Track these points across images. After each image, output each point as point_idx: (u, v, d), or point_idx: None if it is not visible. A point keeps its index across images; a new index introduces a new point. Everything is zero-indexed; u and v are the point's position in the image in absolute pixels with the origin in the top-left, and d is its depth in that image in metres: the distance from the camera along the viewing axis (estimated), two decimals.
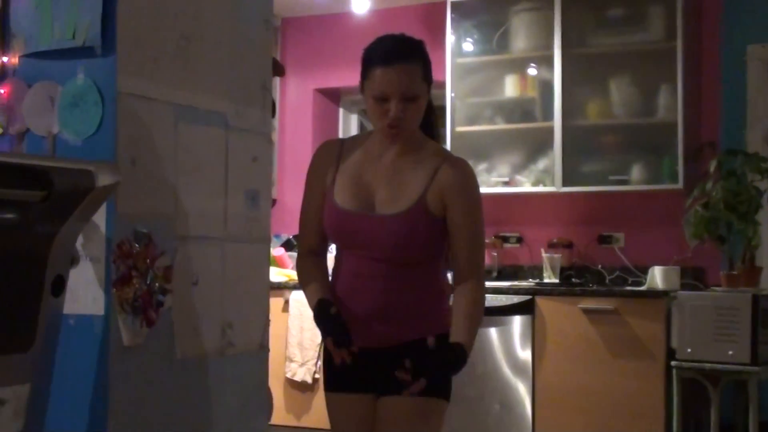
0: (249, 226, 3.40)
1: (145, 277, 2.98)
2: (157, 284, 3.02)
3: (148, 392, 3.02)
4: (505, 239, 6.90)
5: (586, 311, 5.95)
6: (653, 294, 5.92)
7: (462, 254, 3.04)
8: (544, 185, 6.54)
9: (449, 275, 3.11)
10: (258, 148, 3.44)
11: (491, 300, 6.14)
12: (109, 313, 2.90)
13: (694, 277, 6.30)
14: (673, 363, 5.69)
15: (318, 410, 6.62)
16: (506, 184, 6.67)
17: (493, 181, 6.68)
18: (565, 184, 6.44)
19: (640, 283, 6.30)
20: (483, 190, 6.51)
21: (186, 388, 3.14)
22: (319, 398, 6.60)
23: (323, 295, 3.06)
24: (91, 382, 2.90)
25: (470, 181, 3.09)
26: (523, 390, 6.06)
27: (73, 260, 2.86)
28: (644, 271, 6.32)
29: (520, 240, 6.89)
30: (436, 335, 2.96)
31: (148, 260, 2.99)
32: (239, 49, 3.35)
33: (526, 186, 6.62)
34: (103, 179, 2.74)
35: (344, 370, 2.99)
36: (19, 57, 3.08)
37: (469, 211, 3.04)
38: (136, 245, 2.96)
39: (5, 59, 3.09)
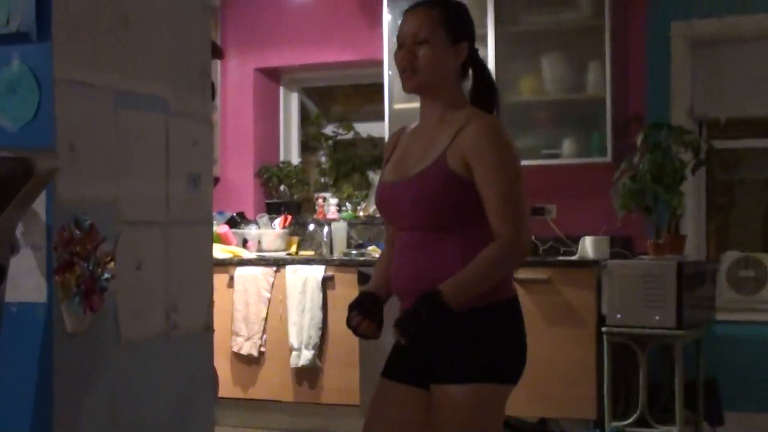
0: (191, 209, 3.26)
1: (87, 263, 2.84)
2: (99, 270, 2.88)
3: (94, 377, 2.89)
4: None
5: (521, 281, 5.85)
6: (584, 264, 5.90)
7: (491, 213, 2.77)
8: None
9: None
10: (198, 132, 3.30)
11: None
12: (51, 300, 2.76)
13: (622, 246, 6.28)
14: (603, 329, 5.67)
15: (263, 382, 6.54)
16: None
17: None
18: None
19: (572, 253, 6.25)
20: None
21: (132, 371, 3.02)
22: (265, 371, 6.52)
23: (369, 287, 3.01)
24: (36, 369, 2.76)
25: (491, 137, 2.80)
26: None
27: (14, 249, 2.71)
28: (576, 240, 6.28)
29: None
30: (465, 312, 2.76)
31: (90, 246, 2.85)
32: (178, 33, 3.20)
33: None
34: (41, 166, 2.59)
35: (399, 356, 2.93)
36: None
37: (491, 167, 2.77)
38: (77, 232, 2.82)
39: None
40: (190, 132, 3.26)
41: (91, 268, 2.85)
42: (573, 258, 6.07)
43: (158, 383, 3.13)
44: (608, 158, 6.14)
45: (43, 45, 2.76)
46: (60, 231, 2.77)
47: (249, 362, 6.58)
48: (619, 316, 5.63)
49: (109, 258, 2.92)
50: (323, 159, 7.75)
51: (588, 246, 6.05)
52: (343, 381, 6.29)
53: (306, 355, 6.36)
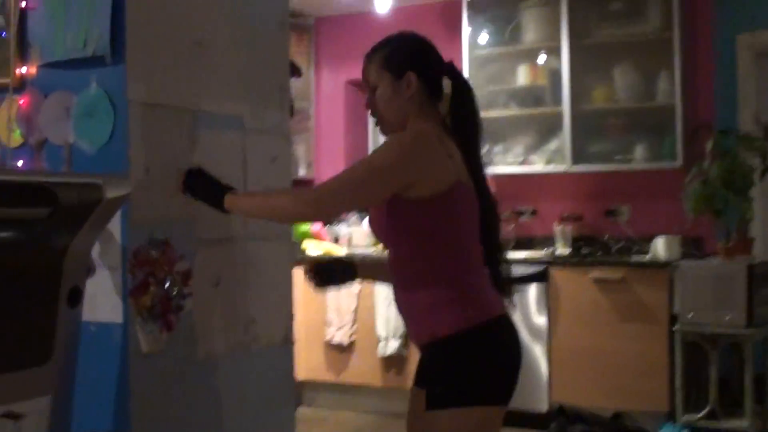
0: (270, 224, 2.90)
1: (163, 283, 2.51)
2: (176, 289, 2.55)
3: (171, 395, 2.56)
4: (521, 213, 6.38)
5: (596, 281, 5.45)
6: (657, 264, 5.41)
7: None
8: (555, 164, 6.01)
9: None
10: (276, 148, 2.95)
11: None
12: (127, 321, 2.43)
13: (692, 246, 5.77)
14: (675, 327, 5.20)
15: (354, 369, 6.21)
16: (521, 164, 6.14)
17: (508, 161, 6.16)
18: (574, 163, 5.91)
19: (643, 252, 5.77)
20: (499, 169, 6.07)
21: (209, 387, 2.68)
22: (355, 358, 6.20)
23: (357, 259, 2.85)
24: (114, 389, 2.45)
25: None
26: (539, 352, 5.58)
27: (90, 270, 2.39)
28: (647, 240, 5.80)
29: (534, 213, 6.36)
30: (436, 340, 2.36)
31: (165, 266, 2.52)
32: (255, 52, 2.85)
33: (538, 165, 6.09)
34: (113, 191, 2.27)
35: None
36: (37, 67, 2.60)
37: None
38: (153, 252, 2.49)
39: (24, 70, 2.61)
40: (267, 148, 2.91)
41: (167, 287, 2.52)
42: (646, 258, 5.58)
43: (237, 396, 2.79)
44: (679, 163, 5.64)
45: (117, 68, 2.43)
46: (135, 252, 2.45)
47: (340, 350, 6.26)
48: (690, 315, 5.15)
49: (186, 276, 2.59)
50: None
51: (659, 246, 5.56)
52: None
53: (393, 345, 6.02)
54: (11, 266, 2.13)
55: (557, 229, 5.95)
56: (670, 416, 5.24)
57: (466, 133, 2.49)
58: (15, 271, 2.14)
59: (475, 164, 2.47)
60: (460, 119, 2.51)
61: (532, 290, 5.61)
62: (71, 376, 2.38)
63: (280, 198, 2.46)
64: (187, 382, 2.61)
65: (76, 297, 2.32)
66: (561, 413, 4.90)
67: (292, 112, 3.05)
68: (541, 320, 5.57)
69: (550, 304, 5.56)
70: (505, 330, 2.44)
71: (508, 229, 6.32)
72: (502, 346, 2.42)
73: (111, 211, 2.29)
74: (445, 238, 2.37)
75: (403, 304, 2.45)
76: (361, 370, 6.18)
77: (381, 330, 6.06)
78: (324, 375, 6.33)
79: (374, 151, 2.40)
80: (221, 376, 2.71)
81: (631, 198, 6.05)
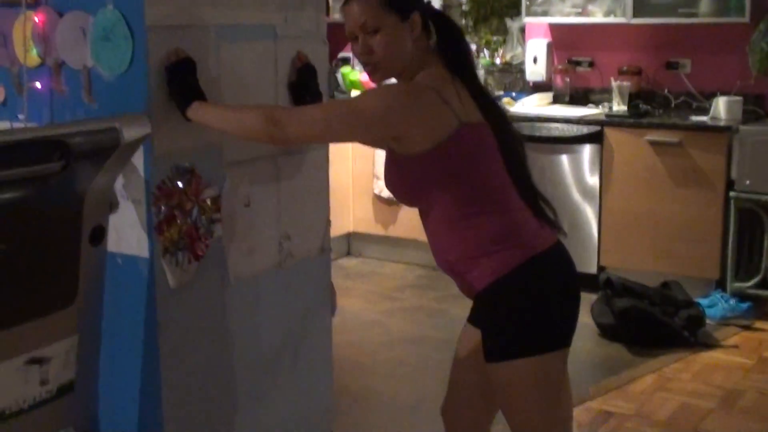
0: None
1: (189, 213, 2.42)
2: (204, 217, 2.46)
3: (202, 324, 2.51)
4: (578, 63, 6.10)
5: (652, 143, 5.24)
6: (716, 128, 5.15)
7: None
8: (615, 16, 5.67)
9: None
10: (312, 53, 2.76)
11: (563, 129, 5.47)
12: (153, 256, 2.36)
13: (755, 104, 5.48)
14: (731, 193, 5.02)
15: (402, 222, 6.17)
16: (579, 14, 5.80)
17: (566, 11, 5.82)
18: (635, 15, 5.55)
19: (704, 109, 5.51)
20: (556, 19, 5.78)
21: (243, 308, 2.63)
22: (404, 212, 6.13)
23: None
24: (142, 322, 2.41)
25: None
26: (590, 213, 5.45)
27: (112, 206, 2.30)
28: (708, 97, 5.53)
29: (591, 64, 6.07)
30: (482, 291, 2.25)
31: (192, 196, 2.42)
32: None
33: (597, 16, 5.75)
34: (131, 133, 2.15)
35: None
36: None
37: None
38: (179, 182, 2.38)
39: None
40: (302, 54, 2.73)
41: (194, 218, 2.43)
42: (705, 120, 5.32)
43: (272, 312, 2.74)
44: (746, 18, 5.26)
45: None
46: (159, 185, 2.34)
47: (389, 203, 6.19)
48: (748, 182, 4.96)
49: (214, 202, 2.49)
50: (464, 0, 7.02)
51: (721, 107, 5.29)
52: None
53: None
54: (29, 220, 2.05)
55: (614, 85, 5.67)
56: (720, 284, 5.14)
57: (461, 70, 2.28)
58: (33, 225, 2.06)
59: (482, 100, 2.27)
60: (452, 57, 2.29)
61: (586, 150, 5.43)
62: (97, 314, 2.34)
63: (249, 113, 2.26)
64: (218, 308, 2.56)
65: (98, 235, 2.26)
66: (608, 285, 4.83)
67: (328, 11, 2.84)
68: (593, 181, 5.42)
69: (603, 165, 5.39)
70: (551, 265, 2.28)
71: (564, 80, 6.07)
72: (551, 283, 2.27)
73: (130, 152, 2.18)
74: (464, 186, 2.21)
75: (442, 262, 2.31)
76: (410, 224, 6.11)
77: None
78: (372, 227, 6.31)
79: (363, 93, 2.25)
80: (254, 298, 2.66)
81: (694, 52, 5.72)
